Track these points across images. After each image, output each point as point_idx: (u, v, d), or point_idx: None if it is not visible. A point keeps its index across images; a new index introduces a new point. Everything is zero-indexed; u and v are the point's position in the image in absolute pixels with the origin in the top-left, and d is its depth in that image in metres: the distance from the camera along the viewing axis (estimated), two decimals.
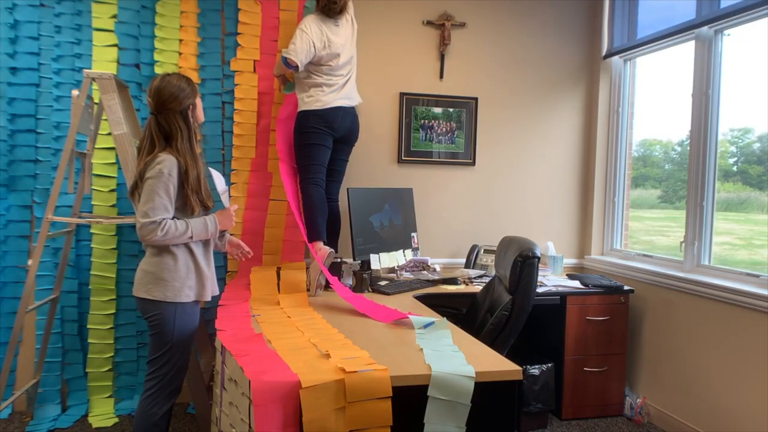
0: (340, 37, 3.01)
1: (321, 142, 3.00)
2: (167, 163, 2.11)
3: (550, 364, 3.18)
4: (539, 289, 3.12)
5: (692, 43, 3.15)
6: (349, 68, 3.12)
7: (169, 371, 2.20)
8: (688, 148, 3.19)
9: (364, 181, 3.53)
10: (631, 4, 3.65)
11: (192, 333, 2.28)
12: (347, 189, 3.17)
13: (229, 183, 3.26)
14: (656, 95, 3.68)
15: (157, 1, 3.17)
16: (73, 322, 3.18)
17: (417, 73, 3.64)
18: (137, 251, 3.21)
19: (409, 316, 2.24)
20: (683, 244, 3.19)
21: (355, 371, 1.58)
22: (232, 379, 1.80)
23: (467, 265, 3.54)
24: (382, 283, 3.09)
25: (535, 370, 3.12)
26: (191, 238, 2.17)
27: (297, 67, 2.90)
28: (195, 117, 2.26)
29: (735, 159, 3.24)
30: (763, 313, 2.64)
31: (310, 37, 2.88)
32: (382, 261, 3.23)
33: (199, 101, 2.29)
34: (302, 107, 3.01)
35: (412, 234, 3.54)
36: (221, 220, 2.29)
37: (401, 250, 3.41)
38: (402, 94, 3.60)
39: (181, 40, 3.22)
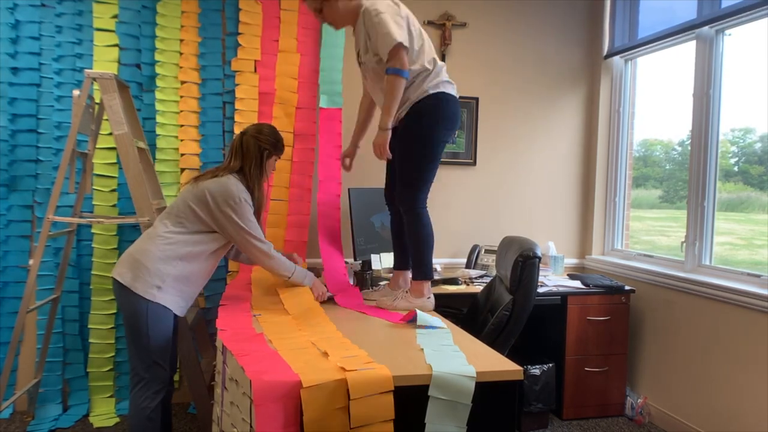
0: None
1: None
2: (238, 187, 2.23)
3: (550, 364, 3.18)
4: (540, 289, 3.12)
5: (693, 43, 3.15)
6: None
7: (149, 368, 2.18)
8: (689, 148, 3.18)
9: (365, 181, 3.53)
10: (632, 4, 3.65)
11: (169, 337, 2.22)
12: (348, 189, 3.17)
13: None
14: (657, 95, 3.68)
15: (158, 1, 3.17)
16: (74, 322, 3.18)
17: None
18: None
19: (416, 311, 2.22)
20: (684, 244, 3.18)
21: (355, 370, 1.58)
22: (233, 379, 1.80)
23: (468, 265, 3.54)
24: (383, 283, 3.08)
25: (536, 370, 3.12)
26: (289, 278, 2.40)
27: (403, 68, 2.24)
28: (266, 166, 2.38)
29: (736, 159, 3.23)
30: (763, 313, 2.64)
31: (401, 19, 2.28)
32: (383, 261, 3.23)
33: (274, 162, 2.44)
34: (437, 89, 2.37)
35: None
36: (315, 287, 2.47)
37: None
38: None
39: (181, 40, 3.22)
